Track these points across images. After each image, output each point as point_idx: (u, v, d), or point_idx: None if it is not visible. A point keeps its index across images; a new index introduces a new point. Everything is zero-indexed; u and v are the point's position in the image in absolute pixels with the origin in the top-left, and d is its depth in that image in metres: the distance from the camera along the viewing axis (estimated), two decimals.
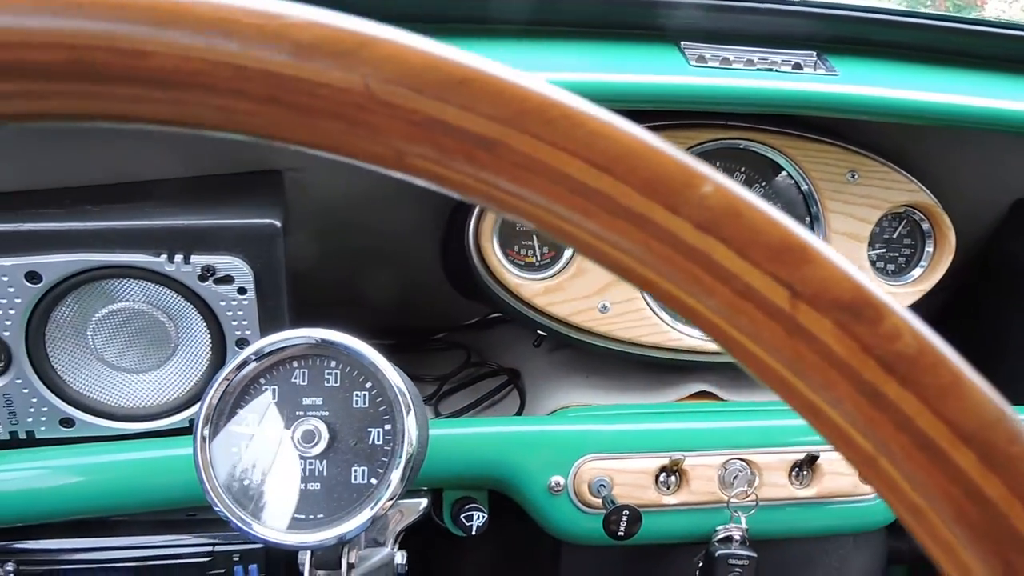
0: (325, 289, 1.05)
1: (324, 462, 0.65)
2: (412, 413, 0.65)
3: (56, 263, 0.75)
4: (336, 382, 0.66)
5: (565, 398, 1.03)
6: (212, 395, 0.62)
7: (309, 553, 0.72)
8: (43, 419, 0.83)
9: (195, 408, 0.86)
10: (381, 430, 0.66)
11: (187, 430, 0.87)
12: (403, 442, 0.65)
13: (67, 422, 0.83)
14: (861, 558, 1.14)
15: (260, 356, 0.62)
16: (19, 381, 0.80)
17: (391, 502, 0.64)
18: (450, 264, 1.20)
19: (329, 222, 1.04)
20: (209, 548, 0.88)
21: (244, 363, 0.62)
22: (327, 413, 0.65)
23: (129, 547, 0.88)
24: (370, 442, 0.65)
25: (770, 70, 0.90)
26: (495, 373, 1.17)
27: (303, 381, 0.66)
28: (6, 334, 0.77)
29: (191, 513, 0.91)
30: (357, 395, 0.66)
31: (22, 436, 0.83)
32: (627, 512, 0.84)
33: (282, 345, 0.63)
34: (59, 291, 0.77)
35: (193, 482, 0.89)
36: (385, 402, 0.66)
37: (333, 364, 0.66)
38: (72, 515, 0.87)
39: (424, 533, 0.97)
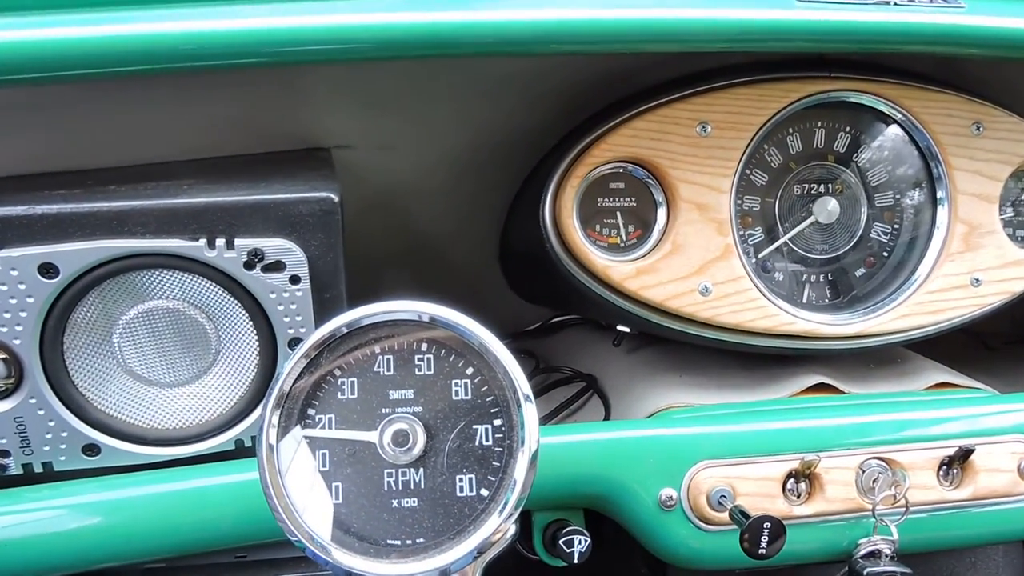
0: (370, 292, 0.93)
1: (421, 471, 0.51)
2: (532, 403, 0.51)
3: (75, 252, 0.63)
4: (429, 370, 0.53)
5: (659, 400, 0.89)
6: (281, 383, 0.49)
7: None
8: (62, 447, 0.69)
9: (241, 427, 0.73)
10: (490, 427, 0.52)
11: (233, 454, 0.74)
12: (521, 440, 0.51)
13: (91, 449, 0.70)
14: (1008, 574, 0.98)
15: (353, 328, 0.49)
16: (33, 401, 0.67)
17: (510, 519, 0.50)
18: (512, 259, 1.07)
19: (378, 210, 0.92)
20: None
21: (331, 336, 0.49)
22: (420, 409, 0.52)
23: None
24: (477, 442, 0.52)
25: (887, 3, 0.78)
26: (569, 380, 1.03)
27: (388, 371, 0.52)
28: (17, 342, 0.64)
29: (240, 555, 0.77)
30: (456, 384, 0.53)
31: (38, 469, 0.70)
32: (768, 524, 0.70)
33: (382, 319, 0.50)
34: (79, 287, 0.65)
35: (241, 516, 0.75)
36: (492, 391, 0.52)
37: (424, 348, 0.53)
38: (98, 564, 0.73)
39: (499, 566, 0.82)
